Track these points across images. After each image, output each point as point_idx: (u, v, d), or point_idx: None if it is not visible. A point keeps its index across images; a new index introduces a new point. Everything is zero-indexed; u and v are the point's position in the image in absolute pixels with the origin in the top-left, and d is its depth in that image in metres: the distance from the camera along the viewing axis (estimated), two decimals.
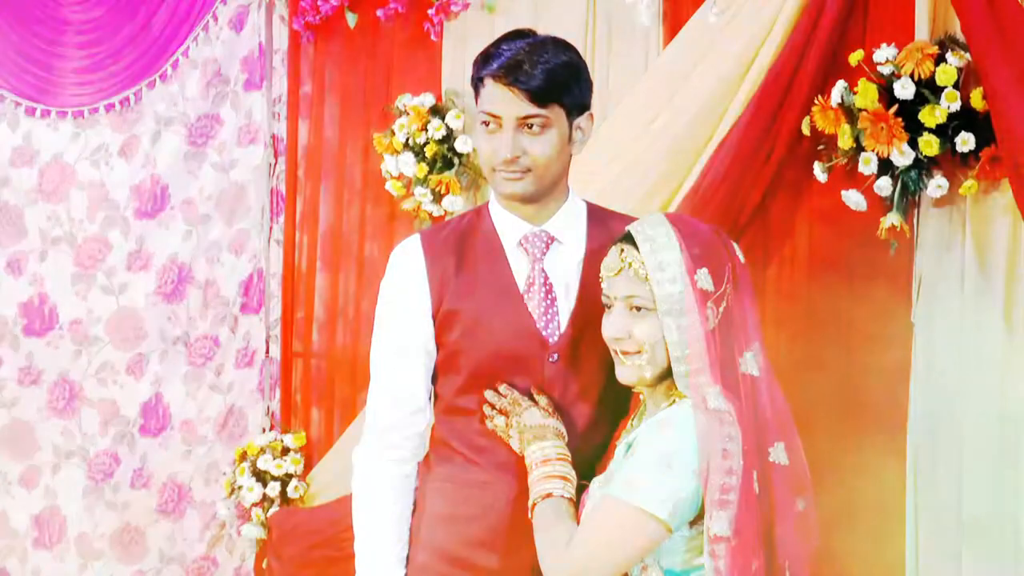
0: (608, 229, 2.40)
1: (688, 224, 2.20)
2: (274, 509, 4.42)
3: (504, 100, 2.31)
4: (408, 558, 2.49)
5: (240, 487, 4.44)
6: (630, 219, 2.39)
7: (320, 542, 4.14)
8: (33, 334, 4.46)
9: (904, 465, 3.32)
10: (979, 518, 3.18)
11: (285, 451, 4.49)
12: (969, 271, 3.22)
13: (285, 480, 4.43)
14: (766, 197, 3.48)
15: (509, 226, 2.44)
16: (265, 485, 4.41)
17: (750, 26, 3.41)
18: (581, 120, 2.39)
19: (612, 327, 2.20)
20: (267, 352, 4.65)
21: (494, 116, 2.33)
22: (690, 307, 2.11)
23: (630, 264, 2.16)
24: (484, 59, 2.36)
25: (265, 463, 4.41)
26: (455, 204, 4.03)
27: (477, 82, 2.37)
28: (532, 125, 2.31)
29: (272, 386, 4.64)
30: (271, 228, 4.61)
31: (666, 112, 3.54)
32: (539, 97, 2.29)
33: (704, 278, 2.13)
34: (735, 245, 2.23)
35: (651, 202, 3.48)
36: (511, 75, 2.29)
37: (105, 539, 4.52)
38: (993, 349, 3.18)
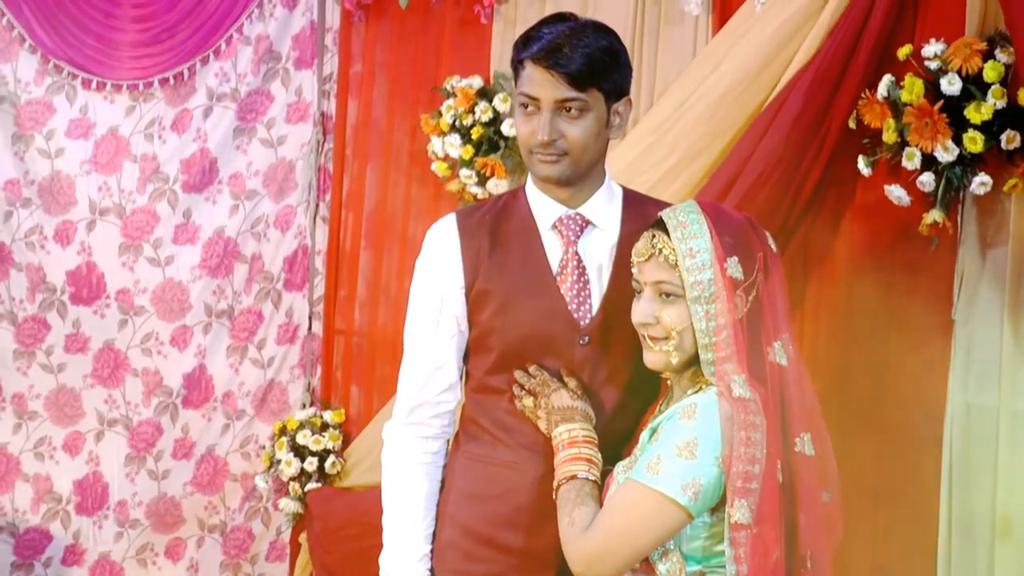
0: (643, 214, 2.40)
1: (720, 212, 2.20)
2: (311, 484, 4.46)
3: (543, 83, 2.32)
4: (434, 534, 2.52)
5: (278, 461, 4.49)
6: (666, 205, 2.39)
7: (360, 533, 4.13)
8: (80, 302, 4.50)
9: (939, 461, 3.29)
10: (1013, 517, 3.16)
11: (324, 427, 4.54)
12: (1011, 269, 3.18)
13: (323, 456, 4.48)
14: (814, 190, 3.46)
15: (544, 208, 2.45)
16: (303, 460, 4.45)
17: (797, 14, 3.38)
18: (619, 105, 2.39)
19: (640, 312, 2.20)
20: (309, 328, 4.70)
21: (532, 98, 2.34)
22: (719, 295, 2.11)
23: (660, 250, 2.16)
24: (524, 42, 2.37)
25: (304, 438, 4.46)
26: (500, 187, 4.04)
27: (517, 64, 2.38)
28: (570, 108, 2.32)
29: (313, 362, 4.69)
30: (317, 205, 4.66)
31: (701, 91, 3.52)
32: (577, 81, 2.30)
33: (734, 267, 2.13)
34: (768, 234, 2.23)
35: (679, 182, 3.48)
36: (551, 58, 2.30)
37: (143, 508, 4.59)
38: None
